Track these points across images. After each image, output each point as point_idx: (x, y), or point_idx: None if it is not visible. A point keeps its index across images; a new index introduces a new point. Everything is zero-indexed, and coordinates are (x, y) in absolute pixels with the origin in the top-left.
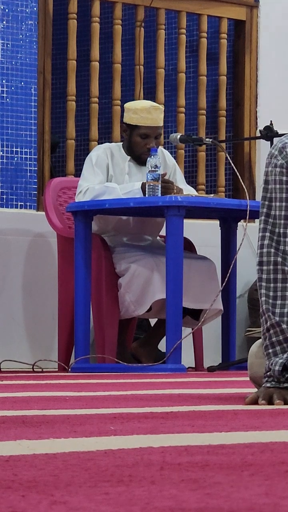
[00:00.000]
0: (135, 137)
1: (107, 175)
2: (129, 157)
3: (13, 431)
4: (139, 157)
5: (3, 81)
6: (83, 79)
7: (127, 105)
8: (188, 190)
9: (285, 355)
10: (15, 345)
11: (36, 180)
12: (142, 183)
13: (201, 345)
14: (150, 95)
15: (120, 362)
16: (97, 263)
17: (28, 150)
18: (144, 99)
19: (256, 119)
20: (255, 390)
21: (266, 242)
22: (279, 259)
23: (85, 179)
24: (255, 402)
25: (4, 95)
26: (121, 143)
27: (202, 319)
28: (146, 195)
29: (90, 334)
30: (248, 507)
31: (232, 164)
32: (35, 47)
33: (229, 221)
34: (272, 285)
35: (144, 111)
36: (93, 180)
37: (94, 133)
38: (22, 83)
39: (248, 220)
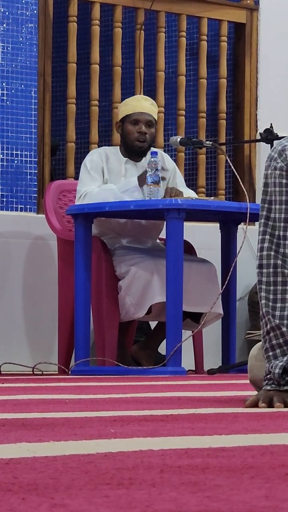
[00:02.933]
0: (127, 126)
1: (103, 178)
2: (125, 159)
3: (13, 434)
4: (132, 147)
5: (3, 84)
6: (83, 82)
7: (119, 104)
8: (188, 193)
9: (285, 358)
10: (15, 348)
11: (36, 183)
12: (138, 177)
13: (201, 347)
14: (150, 97)
15: (120, 364)
16: (97, 265)
17: (28, 153)
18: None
19: (256, 122)
20: (255, 393)
21: (266, 245)
22: (279, 262)
23: (83, 184)
24: (255, 405)
25: (4, 98)
26: (119, 146)
27: (202, 322)
28: (146, 198)
29: (90, 336)
30: (248, 510)
31: (232, 167)
32: (35, 50)
33: (229, 224)
34: (272, 288)
35: (133, 100)
36: (91, 184)
37: (94, 136)
38: (22, 86)
39: (248, 223)
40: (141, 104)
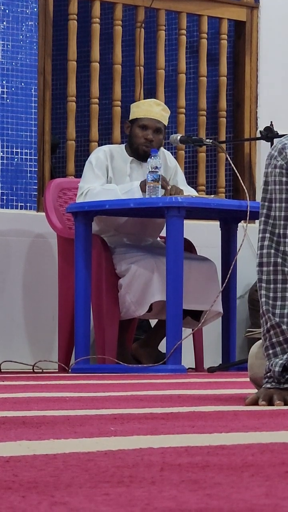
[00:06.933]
0: (135, 129)
1: (107, 177)
2: (131, 158)
3: (14, 432)
4: (137, 150)
5: (4, 82)
6: (83, 80)
7: (132, 104)
8: (189, 191)
9: (285, 356)
10: (15, 346)
11: (36, 181)
12: (141, 181)
13: (201, 346)
14: (150, 96)
15: (120, 363)
16: (97, 263)
17: (28, 151)
18: (144, 100)
19: (256, 120)
20: (255, 391)
21: (266, 243)
22: (279, 260)
23: (86, 181)
24: (255, 403)
25: (5, 96)
26: (124, 144)
27: (202, 320)
28: (146, 196)
29: (90, 334)
30: (248, 508)
31: (232, 165)
32: (35, 48)
33: (229, 222)
34: (272, 286)
35: (145, 104)
36: (94, 182)
37: (94, 134)
38: (22, 84)
39: (248, 221)
40: (152, 110)
